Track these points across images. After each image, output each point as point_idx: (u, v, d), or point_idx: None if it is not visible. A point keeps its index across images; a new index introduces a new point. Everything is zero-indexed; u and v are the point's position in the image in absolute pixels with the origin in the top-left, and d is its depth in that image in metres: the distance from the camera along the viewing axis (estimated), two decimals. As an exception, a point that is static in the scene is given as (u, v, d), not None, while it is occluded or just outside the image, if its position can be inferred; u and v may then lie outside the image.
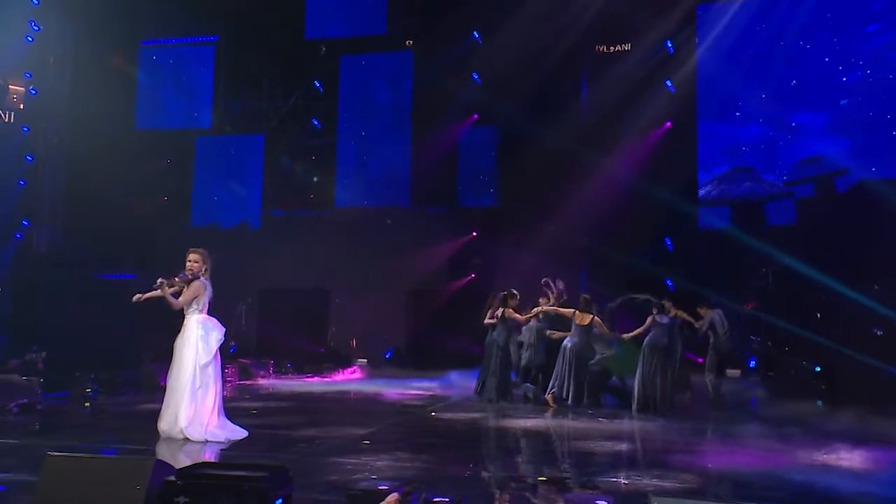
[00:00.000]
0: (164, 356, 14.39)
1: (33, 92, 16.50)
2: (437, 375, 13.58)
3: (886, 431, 8.14)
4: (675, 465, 6.29)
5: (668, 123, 15.87)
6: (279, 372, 14.18)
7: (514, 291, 10.83)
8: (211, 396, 7.19)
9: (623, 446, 7.65)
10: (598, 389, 10.39)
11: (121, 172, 16.09)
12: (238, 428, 7.36)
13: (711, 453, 7.39)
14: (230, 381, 12.91)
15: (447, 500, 3.21)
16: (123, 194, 16.34)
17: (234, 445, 7.02)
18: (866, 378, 11.73)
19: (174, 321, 7.53)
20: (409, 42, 16.01)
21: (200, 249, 7.50)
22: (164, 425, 7.07)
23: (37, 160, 16.44)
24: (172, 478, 3.67)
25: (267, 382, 13.40)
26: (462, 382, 12.79)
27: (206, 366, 7.18)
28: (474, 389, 11.23)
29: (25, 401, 8.83)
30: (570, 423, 9.03)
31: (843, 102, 15.03)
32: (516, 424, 8.76)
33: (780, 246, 14.26)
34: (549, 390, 10.19)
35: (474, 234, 16.37)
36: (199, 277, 7.29)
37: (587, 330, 10.13)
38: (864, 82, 14.84)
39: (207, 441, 6.96)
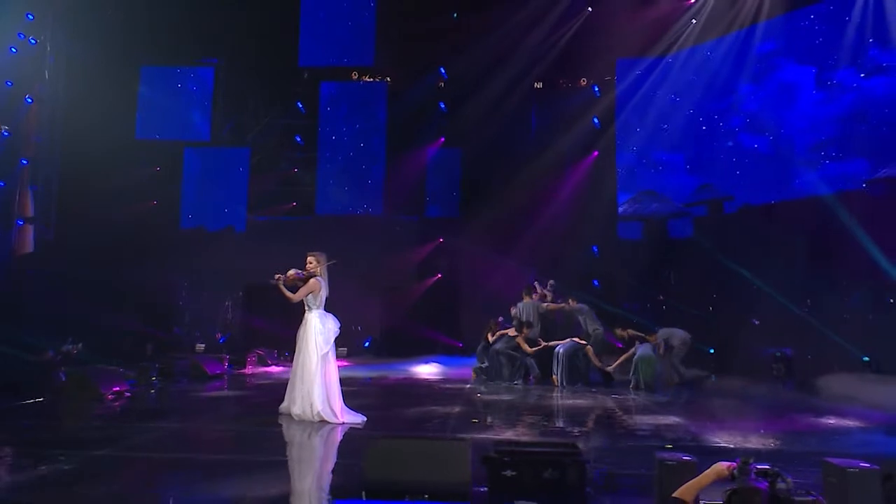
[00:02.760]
0: (169, 348, 14.25)
1: (29, 100, 15.61)
2: (411, 361, 13.85)
3: (762, 395, 9.90)
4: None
5: (596, 153, 16.89)
6: (283, 361, 13.83)
7: (531, 321, 11.37)
8: (335, 383, 7.26)
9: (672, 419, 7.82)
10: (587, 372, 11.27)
11: (114, 178, 15.59)
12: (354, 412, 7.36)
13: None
14: (251, 369, 12.96)
15: (776, 469, 3.09)
16: (116, 198, 15.82)
17: (379, 423, 7.12)
18: (747, 356, 13.71)
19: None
20: (388, 79, 16.28)
21: (317, 252, 7.48)
22: (297, 410, 7.10)
23: (32, 164, 15.57)
24: (493, 454, 3.85)
25: (258, 372, 12.99)
26: (445, 367, 13.43)
27: (326, 355, 7.27)
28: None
29: (118, 388, 8.74)
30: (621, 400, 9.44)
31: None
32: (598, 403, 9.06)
33: (680, 254, 15.61)
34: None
35: (440, 239, 16.62)
36: (315, 275, 7.36)
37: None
38: (718, 131, 16.21)
39: (343, 423, 7.03)
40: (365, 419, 7.24)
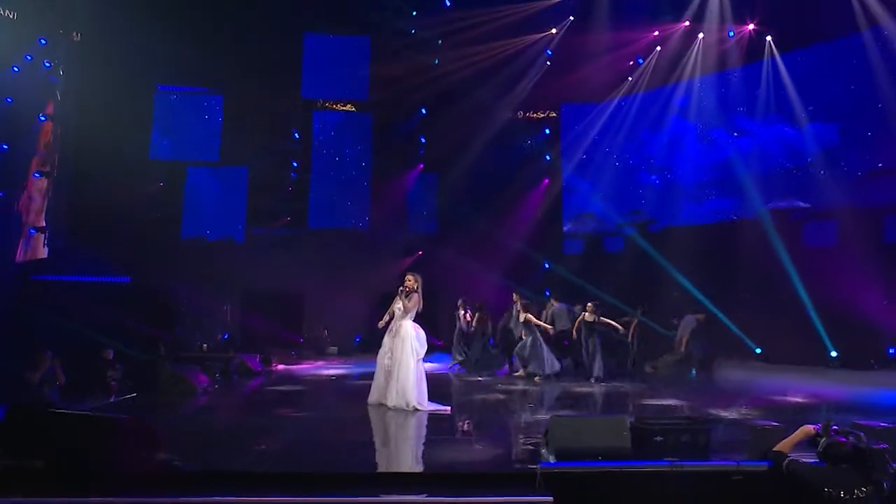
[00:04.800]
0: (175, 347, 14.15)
1: (42, 118, 15.16)
2: None
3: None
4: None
5: (546, 181, 18.30)
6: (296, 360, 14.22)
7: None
8: (423, 379, 7.85)
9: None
10: None
11: (122, 192, 15.43)
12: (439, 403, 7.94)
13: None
14: (259, 368, 12.47)
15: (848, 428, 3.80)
16: (124, 210, 15.63)
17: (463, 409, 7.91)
18: (667, 348, 15.50)
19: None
20: (374, 112, 16.97)
21: (414, 273, 8.17)
22: (391, 402, 7.61)
23: (45, 177, 15.12)
24: (642, 425, 4.84)
25: (283, 368, 13.03)
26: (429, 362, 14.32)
27: (420, 356, 7.90)
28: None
29: (203, 384, 9.09)
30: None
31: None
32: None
33: (613, 265, 17.02)
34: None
35: (420, 252, 17.15)
36: (416, 291, 8.00)
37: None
38: (634, 166, 18.05)
39: (436, 411, 7.61)
40: (449, 408, 7.89)
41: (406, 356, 7.78)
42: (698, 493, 4.56)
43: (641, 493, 4.56)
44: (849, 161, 14.69)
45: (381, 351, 8.10)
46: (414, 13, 16.21)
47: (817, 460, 4.06)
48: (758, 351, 13.85)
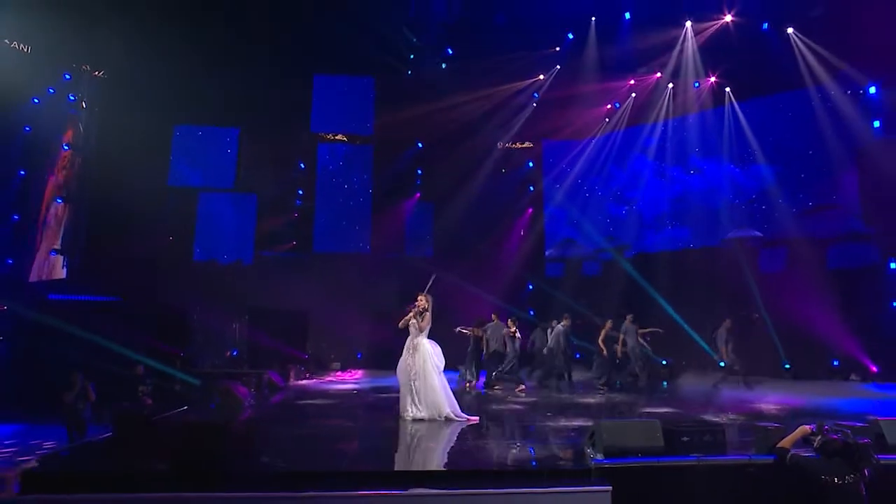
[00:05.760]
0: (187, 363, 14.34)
1: (65, 147, 15.37)
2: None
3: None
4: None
5: (530, 210, 19.30)
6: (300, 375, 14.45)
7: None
8: (449, 389, 8.10)
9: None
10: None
11: (138, 217, 15.68)
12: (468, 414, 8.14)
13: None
14: (282, 383, 12.75)
15: (838, 427, 4.49)
16: (139, 234, 15.83)
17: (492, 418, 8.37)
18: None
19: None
20: (375, 145, 17.67)
21: (426, 294, 8.42)
22: (425, 414, 7.82)
23: (66, 202, 15.30)
24: (671, 427, 5.58)
25: (300, 384, 13.32)
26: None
27: (441, 369, 8.12)
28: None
29: (246, 397, 9.49)
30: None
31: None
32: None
33: (590, 288, 17.90)
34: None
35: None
36: (428, 311, 8.25)
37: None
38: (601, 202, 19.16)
39: (468, 420, 7.87)
40: (477, 418, 8.14)
41: (429, 372, 7.95)
42: (721, 482, 5.40)
43: (676, 483, 5.36)
44: (785, 198, 16.02)
45: (400, 367, 8.14)
46: (412, 56, 17.03)
47: (814, 454, 4.71)
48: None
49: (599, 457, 5.56)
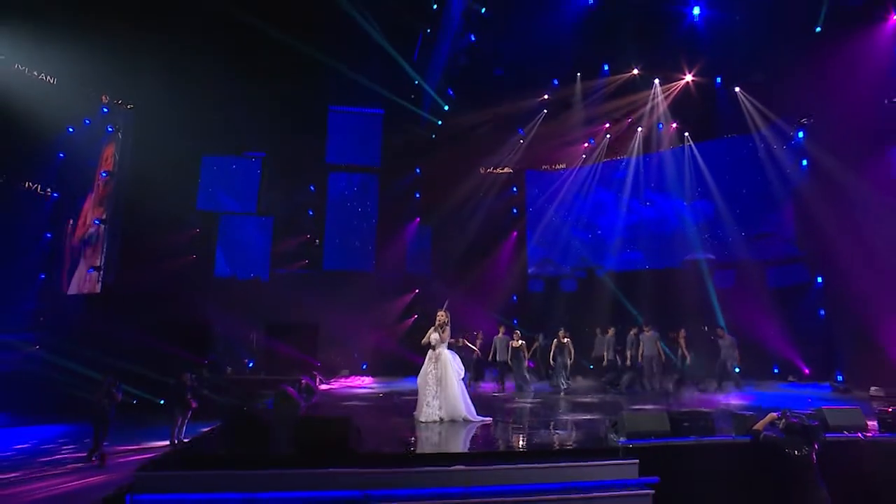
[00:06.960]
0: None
1: (104, 175, 16.00)
2: (400, 379, 15.22)
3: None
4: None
5: (515, 232, 20.41)
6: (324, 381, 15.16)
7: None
8: (467, 394, 8.62)
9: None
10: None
11: (165, 238, 16.38)
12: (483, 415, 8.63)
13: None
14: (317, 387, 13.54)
15: (797, 413, 6.27)
16: (166, 253, 16.49)
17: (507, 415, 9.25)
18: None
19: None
20: (379, 173, 18.76)
21: (446, 310, 8.72)
22: (444, 414, 8.28)
23: (102, 224, 15.89)
24: (674, 415, 6.99)
25: (324, 388, 13.88)
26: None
27: (461, 376, 8.65)
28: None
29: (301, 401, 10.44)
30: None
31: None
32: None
33: (568, 304, 19.19)
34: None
35: (417, 291, 18.44)
36: (447, 324, 8.66)
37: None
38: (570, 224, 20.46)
39: (483, 420, 8.43)
40: (490, 419, 8.66)
41: (450, 378, 8.39)
42: (713, 456, 6.87)
43: (683, 458, 6.82)
44: (734, 226, 17.87)
45: (422, 374, 8.49)
46: (413, 96, 18.29)
47: (779, 433, 5.95)
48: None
49: (623, 438, 6.97)
